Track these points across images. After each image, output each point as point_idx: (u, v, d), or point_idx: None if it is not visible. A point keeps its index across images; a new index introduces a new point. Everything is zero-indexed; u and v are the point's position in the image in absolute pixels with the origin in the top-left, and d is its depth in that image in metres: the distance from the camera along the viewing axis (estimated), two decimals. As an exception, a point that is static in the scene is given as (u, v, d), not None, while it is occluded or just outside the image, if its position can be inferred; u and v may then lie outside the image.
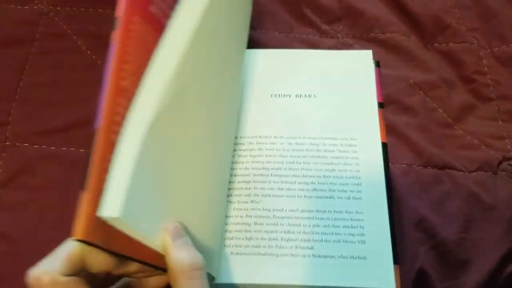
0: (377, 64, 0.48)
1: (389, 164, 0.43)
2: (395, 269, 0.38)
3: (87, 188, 0.27)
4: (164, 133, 0.30)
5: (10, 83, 0.46)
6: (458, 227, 0.41)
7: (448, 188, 0.43)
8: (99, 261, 0.29)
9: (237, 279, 0.37)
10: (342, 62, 0.47)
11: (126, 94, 0.30)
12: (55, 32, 0.49)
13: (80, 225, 0.26)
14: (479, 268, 0.39)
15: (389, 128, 0.45)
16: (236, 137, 0.43)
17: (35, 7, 0.51)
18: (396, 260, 0.38)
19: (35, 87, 0.46)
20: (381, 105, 0.45)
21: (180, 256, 0.29)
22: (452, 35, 0.51)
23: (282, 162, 0.41)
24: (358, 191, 0.40)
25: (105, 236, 0.27)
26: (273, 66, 0.47)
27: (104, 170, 0.27)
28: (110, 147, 0.28)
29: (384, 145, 0.43)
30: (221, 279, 0.37)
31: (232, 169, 0.42)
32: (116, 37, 0.30)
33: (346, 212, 0.39)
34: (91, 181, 0.27)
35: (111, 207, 0.26)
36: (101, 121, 0.28)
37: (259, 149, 0.42)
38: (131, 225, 0.26)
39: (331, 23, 0.52)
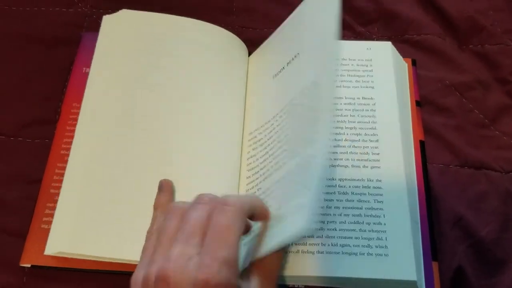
0: (414, 62, 0.48)
1: (427, 164, 0.43)
2: (434, 266, 0.38)
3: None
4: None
5: (58, 82, 0.48)
6: (496, 227, 0.41)
7: (486, 188, 0.43)
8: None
9: None
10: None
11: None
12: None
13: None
14: (517, 267, 0.40)
15: (426, 129, 0.45)
16: (251, 132, 0.44)
17: (79, 9, 0.53)
18: (434, 257, 0.39)
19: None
20: (418, 104, 0.46)
21: None
22: (487, 37, 0.52)
23: None
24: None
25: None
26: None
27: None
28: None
29: (422, 144, 0.44)
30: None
31: (248, 164, 0.42)
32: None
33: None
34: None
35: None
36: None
37: (269, 138, 0.42)
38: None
39: (366, 25, 0.53)
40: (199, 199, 0.32)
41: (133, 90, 0.44)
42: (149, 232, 0.36)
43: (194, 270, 0.28)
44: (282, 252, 0.34)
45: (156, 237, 0.33)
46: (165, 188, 0.39)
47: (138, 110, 0.43)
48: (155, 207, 0.38)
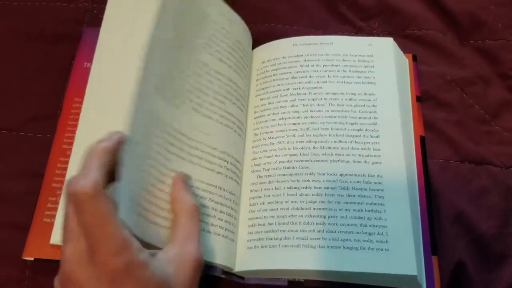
0: (415, 58, 0.48)
1: (427, 159, 0.43)
2: (433, 260, 0.39)
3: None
4: None
5: (59, 78, 0.48)
6: (497, 222, 0.42)
7: (486, 183, 0.43)
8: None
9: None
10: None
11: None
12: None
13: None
14: (517, 261, 0.40)
15: (426, 124, 0.46)
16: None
17: (80, 4, 0.53)
18: (434, 252, 0.39)
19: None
20: (418, 99, 0.46)
21: (188, 196, 0.35)
22: (488, 32, 0.52)
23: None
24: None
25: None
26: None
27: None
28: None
29: (422, 139, 0.44)
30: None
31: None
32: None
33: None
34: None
35: None
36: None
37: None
38: None
39: (367, 20, 0.53)
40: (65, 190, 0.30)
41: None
42: None
43: (91, 265, 0.28)
44: (196, 214, 0.35)
45: None
46: None
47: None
48: None
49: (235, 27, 0.47)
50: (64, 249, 0.29)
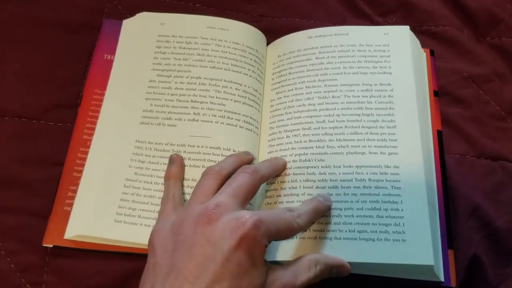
0: (432, 53, 0.48)
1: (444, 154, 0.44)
2: (449, 254, 0.39)
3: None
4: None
5: (79, 68, 0.48)
6: (511, 217, 0.42)
7: (502, 178, 0.44)
8: None
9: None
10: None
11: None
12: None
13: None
14: (532, 256, 0.40)
15: (443, 119, 0.46)
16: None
17: (100, -5, 0.53)
18: (450, 245, 0.39)
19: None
20: (436, 94, 0.46)
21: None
22: (505, 29, 0.52)
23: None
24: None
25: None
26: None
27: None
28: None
29: (440, 133, 0.44)
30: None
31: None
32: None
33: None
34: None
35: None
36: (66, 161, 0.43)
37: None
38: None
39: (385, 15, 0.53)
40: (244, 169, 0.37)
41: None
42: (164, 199, 0.39)
43: (235, 215, 0.32)
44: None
45: (172, 200, 0.38)
46: (176, 162, 0.42)
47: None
48: (167, 178, 0.41)
49: (228, 33, 0.48)
50: (214, 198, 0.34)
